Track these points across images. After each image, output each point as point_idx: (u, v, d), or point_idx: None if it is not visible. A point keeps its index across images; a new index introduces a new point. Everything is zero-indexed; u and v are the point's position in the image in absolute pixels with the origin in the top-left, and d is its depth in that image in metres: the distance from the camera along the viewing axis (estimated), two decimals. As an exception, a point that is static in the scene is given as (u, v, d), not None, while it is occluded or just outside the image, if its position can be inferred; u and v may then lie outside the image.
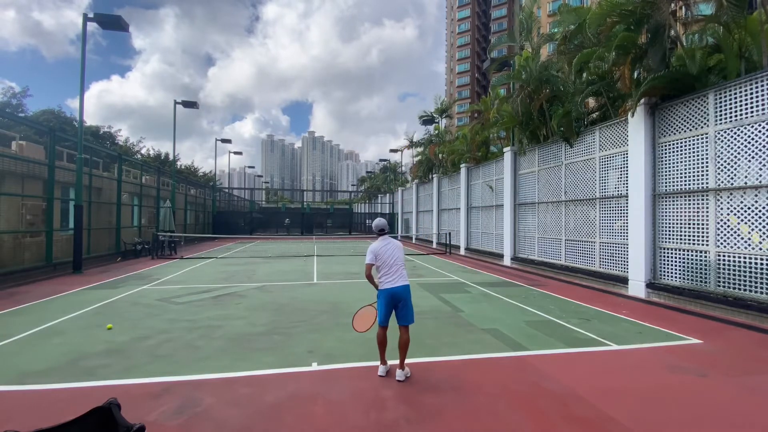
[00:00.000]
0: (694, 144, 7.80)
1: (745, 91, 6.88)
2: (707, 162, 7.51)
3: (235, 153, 39.56)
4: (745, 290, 6.81)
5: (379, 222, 4.51)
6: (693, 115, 7.84)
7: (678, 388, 3.96)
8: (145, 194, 19.20)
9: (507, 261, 14.77)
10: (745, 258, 6.84)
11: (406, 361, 4.16)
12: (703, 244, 7.56)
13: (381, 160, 53.33)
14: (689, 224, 7.84)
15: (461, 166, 19.57)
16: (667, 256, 8.31)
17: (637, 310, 7.46)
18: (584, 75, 11.92)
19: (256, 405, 3.53)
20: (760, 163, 6.63)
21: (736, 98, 7.03)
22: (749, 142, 6.81)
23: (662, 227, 8.45)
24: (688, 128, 7.94)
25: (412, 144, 32.99)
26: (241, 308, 7.31)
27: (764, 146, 6.59)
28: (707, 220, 7.49)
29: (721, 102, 7.30)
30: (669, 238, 8.28)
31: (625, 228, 9.31)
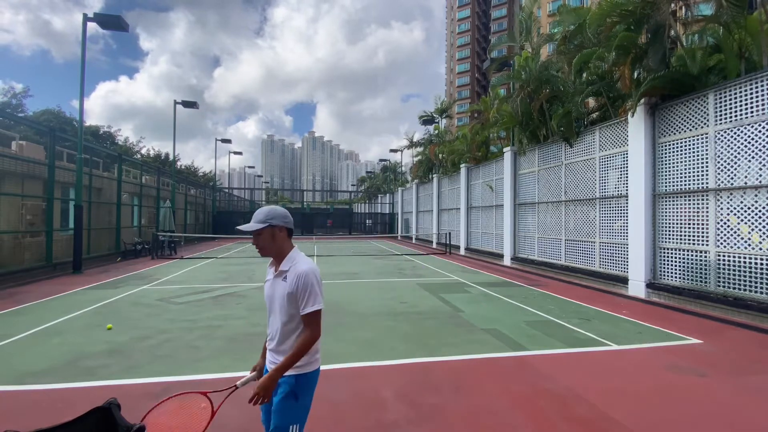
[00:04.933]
0: (694, 144, 7.79)
1: (745, 91, 6.87)
2: (707, 162, 7.51)
3: (235, 153, 39.57)
4: (745, 290, 6.81)
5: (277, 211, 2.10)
6: (693, 115, 7.84)
7: (678, 388, 3.96)
8: (145, 194, 19.20)
9: (507, 261, 14.77)
10: (745, 258, 6.84)
11: (404, 361, 4.10)
12: (703, 244, 7.56)
13: (381, 160, 53.30)
14: (689, 224, 7.84)
15: (461, 166, 19.58)
16: (667, 256, 8.31)
17: (637, 310, 7.46)
18: (584, 75, 11.93)
19: (255, 405, 3.52)
20: (760, 163, 6.63)
21: (736, 98, 7.03)
22: (749, 142, 6.81)
23: (662, 227, 8.45)
24: (688, 128, 7.94)
25: (412, 144, 33.00)
26: (241, 308, 7.31)
27: (764, 146, 6.59)
28: (707, 220, 7.49)
29: (721, 102, 7.30)
30: (669, 238, 8.28)
31: (625, 228, 9.31)
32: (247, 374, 2.17)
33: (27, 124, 19.01)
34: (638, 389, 3.92)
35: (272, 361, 2.02)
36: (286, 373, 1.93)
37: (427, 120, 27.90)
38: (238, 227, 2.10)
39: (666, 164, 8.41)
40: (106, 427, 1.61)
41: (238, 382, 2.11)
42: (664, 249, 8.39)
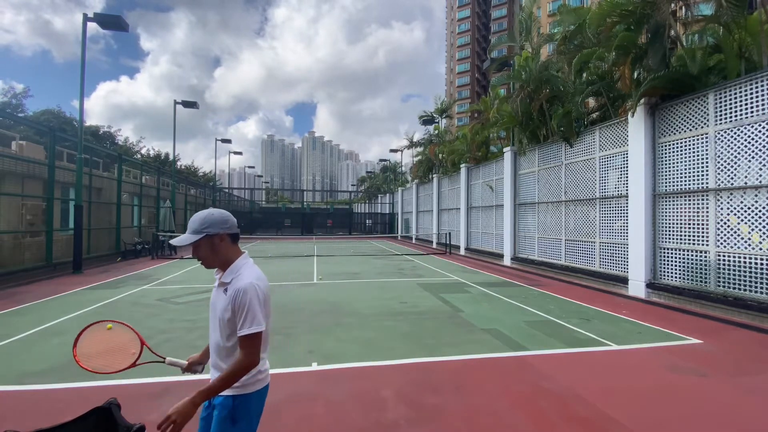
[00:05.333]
0: (694, 144, 7.79)
1: (745, 91, 6.87)
2: (707, 162, 7.51)
3: (235, 153, 39.58)
4: (745, 290, 6.80)
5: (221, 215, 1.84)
6: (693, 115, 7.84)
7: (678, 388, 3.96)
8: (145, 194, 19.20)
9: (507, 261, 14.77)
10: (745, 258, 6.83)
11: (404, 361, 4.10)
12: (703, 244, 7.56)
13: (381, 160, 53.33)
14: (689, 224, 7.84)
15: (461, 166, 19.58)
16: (667, 256, 8.31)
17: (637, 310, 7.46)
18: (584, 75, 11.93)
19: None
20: (760, 163, 6.63)
21: (736, 98, 7.03)
22: (749, 142, 6.80)
23: (662, 227, 8.45)
24: (688, 128, 7.94)
25: (412, 144, 33.00)
26: (241, 308, 7.30)
27: (764, 146, 6.59)
28: (707, 220, 7.49)
29: (721, 102, 7.30)
30: (669, 238, 8.28)
31: (625, 228, 9.31)
32: (182, 360, 2.03)
33: (27, 124, 19.01)
34: (638, 389, 3.92)
35: (213, 377, 1.78)
36: (224, 393, 1.71)
37: (427, 120, 27.90)
38: (171, 242, 1.76)
39: (666, 164, 8.41)
40: (106, 427, 1.61)
41: (167, 359, 2.02)
42: (664, 249, 8.39)
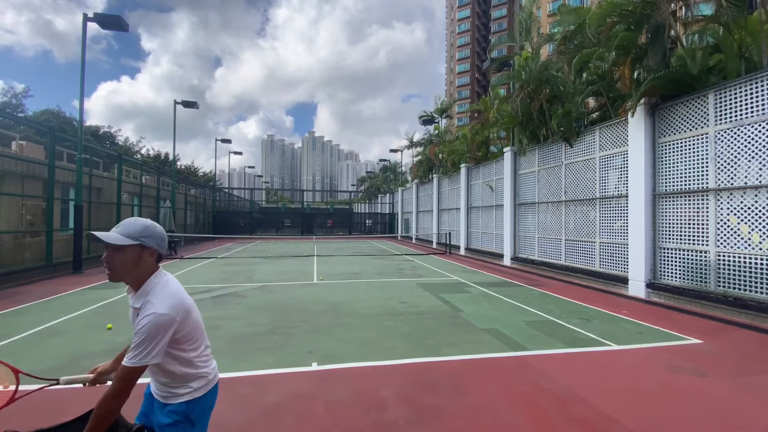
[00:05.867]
0: (694, 144, 7.80)
1: (745, 91, 6.87)
2: (707, 162, 7.51)
3: (235, 153, 39.60)
4: (745, 290, 6.80)
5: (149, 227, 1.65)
6: (693, 115, 7.84)
7: (678, 388, 3.96)
8: (145, 194, 19.21)
9: (507, 261, 14.77)
10: (745, 258, 6.83)
11: (404, 361, 4.09)
12: (703, 244, 7.56)
13: (381, 160, 53.35)
14: (689, 224, 7.84)
15: (461, 166, 19.58)
16: (667, 256, 8.31)
17: (637, 310, 7.46)
18: (584, 75, 11.93)
19: (256, 405, 3.53)
20: (760, 163, 6.63)
21: (736, 98, 7.03)
22: (749, 142, 6.81)
23: (662, 227, 8.45)
24: (688, 128, 7.94)
25: (412, 144, 33.02)
26: (241, 308, 7.31)
27: (764, 146, 6.59)
28: (707, 220, 7.49)
29: (721, 102, 7.30)
30: (669, 238, 8.28)
31: (625, 228, 9.31)
32: (84, 375, 1.84)
33: (27, 124, 19.02)
34: (638, 389, 3.92)
35: (158, 388, 1.71)
36: (175, 401, 1.65)
37: (427, 120, 27.91)
38: (94, 233, 1.52)
39: (666, 164, 8.41)
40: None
41: (62, 378, 1.79)
42: (664, 249, 8.39)
